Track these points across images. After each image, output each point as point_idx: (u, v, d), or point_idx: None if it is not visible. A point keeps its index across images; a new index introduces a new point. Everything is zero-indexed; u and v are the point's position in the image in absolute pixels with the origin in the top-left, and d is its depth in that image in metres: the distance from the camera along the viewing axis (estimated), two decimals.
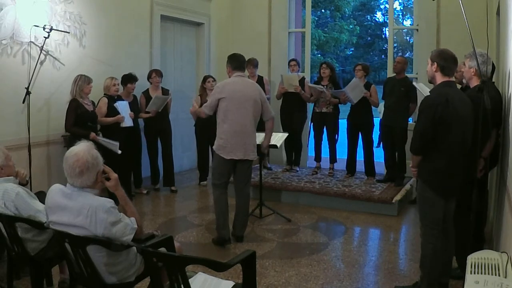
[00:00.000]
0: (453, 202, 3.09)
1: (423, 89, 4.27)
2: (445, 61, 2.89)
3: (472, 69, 3.20)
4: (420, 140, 2.89)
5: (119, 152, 4.86)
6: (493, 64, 3.75)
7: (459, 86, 4.44)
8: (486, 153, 3.17)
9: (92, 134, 4.68)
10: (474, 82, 3.23)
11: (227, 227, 4.16)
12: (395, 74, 5.70)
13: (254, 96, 4.11)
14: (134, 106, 5.59)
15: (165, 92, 5.86)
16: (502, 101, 3.36)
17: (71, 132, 4.66)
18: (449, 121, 2.80)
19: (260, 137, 4.55)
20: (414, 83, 5.01)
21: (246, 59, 6.33)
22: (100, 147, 4.65)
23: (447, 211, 3.01)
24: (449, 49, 3.01)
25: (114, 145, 4.83)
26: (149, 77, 5.84)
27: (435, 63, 2.91)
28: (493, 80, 3.97)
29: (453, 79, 2.99)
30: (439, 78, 2.93)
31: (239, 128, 4.05)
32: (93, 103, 4.96)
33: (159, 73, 5.84)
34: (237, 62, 4.23)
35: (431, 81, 3.02)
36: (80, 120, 4.67)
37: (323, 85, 6.12)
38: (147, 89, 5.86)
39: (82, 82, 4.70)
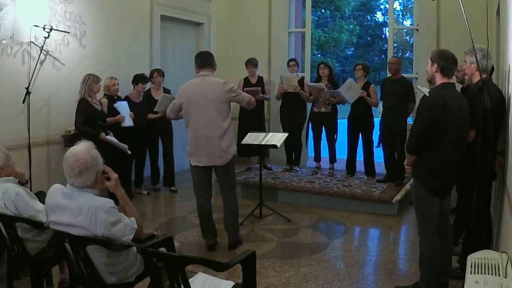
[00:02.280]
0: (449, 200, 3.13)
1: (426, 92, 4.27)
2: (446, 61, 2.89)
3: (473, 64, 3.21)
4: (416, 140, 2.91)
5: (129, 152, 4.93)
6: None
7: (460, 86, 4.46)
8: (500, 147, 3.20)
9: (102, 134, 4.70)
10: (477, 78, 3.23)
11: (209, 234, 4.08)
12: (391, 75, 5.70)
13: (215, 96, 3.78)
14: (144, 106, 5.61)
15: (166, 91, 5.86)
16: (503, 96, 3.37)
17: (81, 131, 4.65)
18: (446, 123, 2.82)
19: (258, 136, 4.55)
20: (418, 86, 5.00)
21: (246, 59, 6.40)
22: (111, 146, 4.75)
23: (443, 209, 3.03)
24: (449, 49, 3.01)
25: (124, 147, 4.88)
26: (150, 76, 5.84)
27: (436, 63, 2.91)
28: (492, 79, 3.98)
29: (452, 80, 3.00)
30: (439, 79, 2.93)
31: (202, 133, 3.82)
32: (100, 102, 4.97)
33: (161, 73, 5.84)
34: (199, 60, 3.93)
35: (430, 81, 3.03)
36: (89, 119, 4.68)
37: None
38: (149, 89, 5.86)
39: (91, 81, 4.72)
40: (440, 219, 3.01)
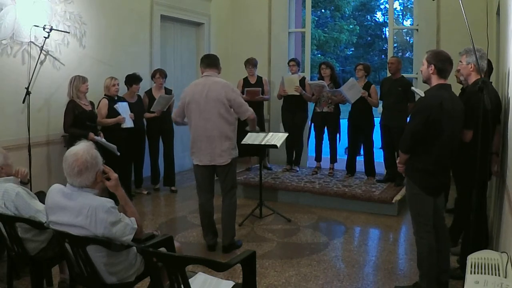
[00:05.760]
0: (442, 198, 3.15)
1: (421, 93, 4.29)
2: (442, 63, 2.90)
3: (471, 64, 3.21)
4: (410, 140, 2.93)
5: (118, 153, 4.88)
6: (490, 64, 3.76)
7: (460, 86, 4.45)
8: (496, 148, 3.20)
9: (91, 135, 4.68)
10: (473, 78, 3.24)
11: (209, 234, 4.07)
12: (391, 75, 5.70)
13: (216, 96, 3.76)
14: (139, 106, 5.59)
15: (168, 92, 5.86)
16: (499, 97, 3.39)
17: (70, 133, 4.67)
18: (441, 124, 2.84)
19: (258, 136, 4.55)
20: (413, 88, 5.02)
21: (246, 59, 6.40)
22: (100, 147, 4.73)
23: (436, 207, 3.05)
24: (449, 49, 3.02)
25: (113, 147, 4.85)
26: (153, 76, 5.85)
27: (432, 65, 2.92)
28: (491, 80, 3.99)
29: (449, 81, 3.01)
30: (435, 80, 2.94)
31: (202, 133, 3.83)
32: (91, 103, 4.95)
33: (163, 74, 5.82)
34: (206, 59, 3.95)
35: (426, 82, 3.04)
36: (78, 121, 4.68)
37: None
38: (150, 89, 5.87)
39: (78, 81, 4.72)
40: (434, 218, 3.03)
